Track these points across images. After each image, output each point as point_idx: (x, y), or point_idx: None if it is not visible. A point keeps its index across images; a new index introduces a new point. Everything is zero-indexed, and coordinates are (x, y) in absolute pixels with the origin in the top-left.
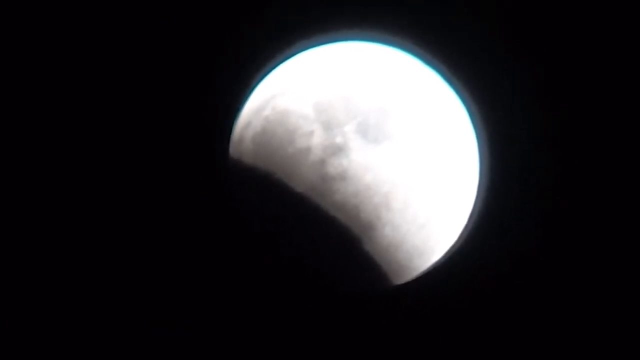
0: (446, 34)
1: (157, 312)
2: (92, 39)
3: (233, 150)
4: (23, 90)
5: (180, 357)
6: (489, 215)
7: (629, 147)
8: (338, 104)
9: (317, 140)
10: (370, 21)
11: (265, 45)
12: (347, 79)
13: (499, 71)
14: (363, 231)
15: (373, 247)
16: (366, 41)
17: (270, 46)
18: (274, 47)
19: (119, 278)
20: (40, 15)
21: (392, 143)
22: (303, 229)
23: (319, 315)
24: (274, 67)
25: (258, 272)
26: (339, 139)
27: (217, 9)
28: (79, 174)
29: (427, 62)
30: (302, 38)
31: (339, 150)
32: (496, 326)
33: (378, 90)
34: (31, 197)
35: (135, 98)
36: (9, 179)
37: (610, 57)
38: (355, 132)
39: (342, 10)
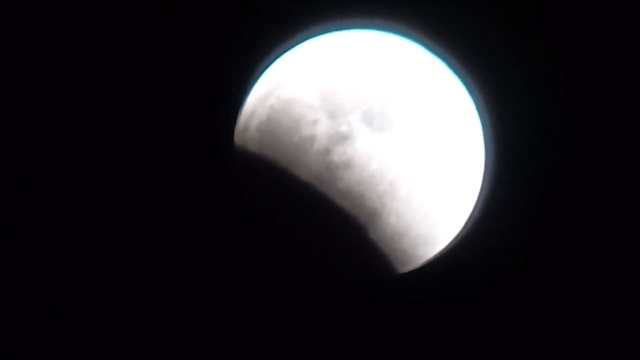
0: (451, 21)
1: (163, 306)
2: (101, 35)
3: (238, 138)
4: (38, 92)
5: (185, 353)
6: (494, 204)
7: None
8: (343, 93)
9: (322, 128)
10: (376, 9)
11: (270, 33)
12: (353, 67)
13: (506, 60)
14: (368, 219)
15: (378, 235)
16: (372, 29)
17: (275, 34)
18: (279, 35)
19: (125, 273)
20: (41, 15)
21: (397, 131)
22: (308, 217)
23: (323, 304)
24: (279, 56)
25: (262, 260)
26: (343, 128)
27: None
28: (86, 168)
29: (433, 50)
30: (307, 26)
31: (343, 138)
32: (499, 315)
33: (383, 79)
34: (42, 196)
35: (140, 86)
36: (16, 181)
37: (621, 50)
38: (360, 121)
39: None
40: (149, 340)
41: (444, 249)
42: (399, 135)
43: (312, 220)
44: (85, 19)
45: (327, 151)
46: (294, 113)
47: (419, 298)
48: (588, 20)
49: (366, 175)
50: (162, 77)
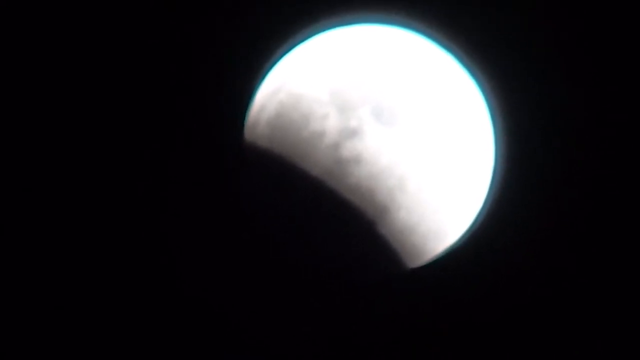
0: (463, 16)
1: (166, 306)
2: (108, 32)
3: (248, 134)
4: (44, 91)
5: (191, 351)
6: (504, 198)
7: None
8: (353, 87)
9: (332, 123)
10: (386, 3)
11: (279, 28)
12: (362, 62)
13: (516, 53)
14: (377, 214)
15: (387, 230)
16: (382, 24)
17: (285, 29)
18: (288, 30)
19: (128, 273)
20: (40, 15)
21: (407, 126)
22: (317, 212)
23: (333, 299)
24: (288, 50)
25: (271, 255)
26: (353, 122)
27: None
28: (90, 168)
29: (444, 45)
30: (317, 21)
31: (353, 133)
32: (509, 311)
33: (393, 74)
34: (49, 193)
35: (150, 82)
36: (16, 181)
37: (633, 49)
38: (369, 115)
39: None
40: (150, 341)
41: (453, 244)
42: (409, 130)
43: (321, 215)
44: (95, 20)
45: (336, 146)
46: (304, 108)
47: (429, 293)
48: (599, 10)
49: (376, 170)
50: (171, 72)
